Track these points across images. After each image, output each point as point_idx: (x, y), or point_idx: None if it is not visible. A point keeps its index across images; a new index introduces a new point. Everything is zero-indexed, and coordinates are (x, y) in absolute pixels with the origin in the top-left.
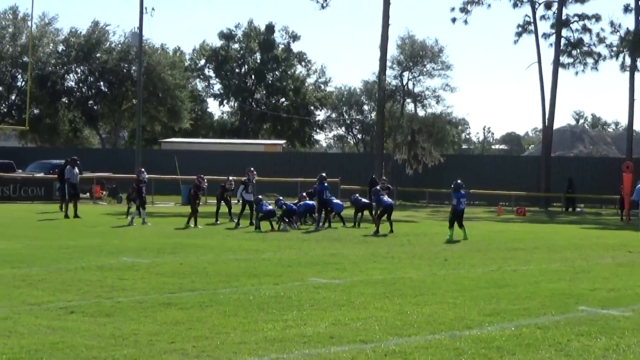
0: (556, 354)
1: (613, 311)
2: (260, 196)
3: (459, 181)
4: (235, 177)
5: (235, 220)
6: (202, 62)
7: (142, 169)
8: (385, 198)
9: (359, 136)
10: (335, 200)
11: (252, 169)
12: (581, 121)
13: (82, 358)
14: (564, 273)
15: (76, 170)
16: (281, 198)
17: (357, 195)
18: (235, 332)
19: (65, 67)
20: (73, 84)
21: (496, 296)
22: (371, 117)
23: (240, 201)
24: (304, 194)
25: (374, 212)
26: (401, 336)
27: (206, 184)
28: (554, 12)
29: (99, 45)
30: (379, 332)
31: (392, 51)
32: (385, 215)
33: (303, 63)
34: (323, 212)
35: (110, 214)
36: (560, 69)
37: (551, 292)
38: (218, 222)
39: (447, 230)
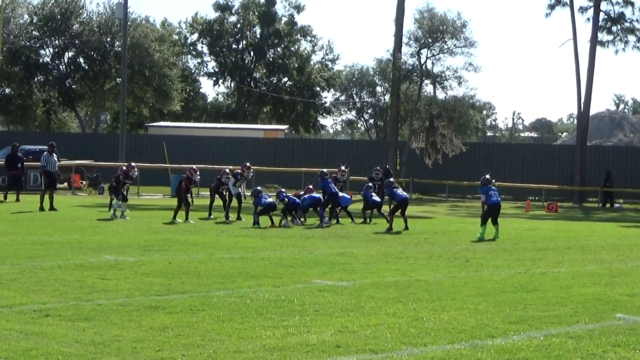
0: None
1: None
2: (259, 187)
3: (487, 176)
4: (231, 168)
5: (232, 215)
6: (195, 36)
7: (133, 164)
8: (400, 191)
9: (371, 121)
10: (341, 194)
11: (248, 164)
12: (621, 106)
13: None
14: (599, 276)
15: (54, 157)
16: (283, 190)
17: (371, 187)
18: (230, 340)
19: (40, 41)
20: (49, 59)
21: (523, 302)
22: (385, 100)
23: (227, 193)
24: (310, 186)
25: (389, 207)
26: (416, 345)
27: (199, 177)
28: None
29: (73, 15)
30: (391, 341)
31: (409, 26)
32: (400, 210)
33: (308, 38)
34: (329, 207)
35: (91, 206)
36: (598, 47)
37: (585, 298)
38: (212, 216)
39: (471, 227)
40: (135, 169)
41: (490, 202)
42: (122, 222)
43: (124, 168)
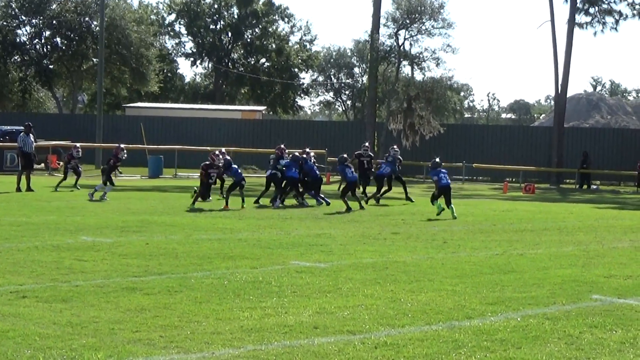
0: (566, 348)
1: (630, 300)
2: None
3: (437, 159)
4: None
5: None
6: (172, 17)
7: (123, 146)
8: (351, 171)
9: (349, 102)
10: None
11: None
12: (598, 88)
13: (36, 348)
14: (576, 258)
15: (31, 137)
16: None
17: (346, 159)
18: (207, 321)
19: (17, 20)
20: (26, 39)
21: (500, 283)
22: (362, 81)
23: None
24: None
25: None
26: (393, 327)
27: (222, 162)
28: None
29: None
30: (368, 322)
31: (387, 7)
32: (350, 191)
33: (286, 19)
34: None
35: (68, 187)
36: (576, 29)
37: (562, 279)
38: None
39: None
40: (125, 151)
41: (441, 184)
42: (100, 204)
43: (74, 149)
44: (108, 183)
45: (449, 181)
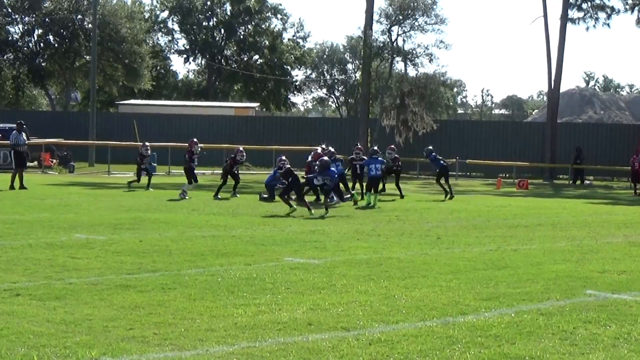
0: (560, 343)
1: (624, 296)
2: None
3: (375, 147)
4: (240, 147)
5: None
6: (165, 14)
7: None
8: (317, 179)
9: (342, 99)
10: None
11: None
12: (591, 83)
13: (30, 346)
14: (570, 253)
15: (23, 135)
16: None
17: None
18: (201, 318)
19: (9, 18)
20: (18, 36)
21: (494, 279)
22: (356, 77)
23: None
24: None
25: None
26: (388, 323)
27: (244, 156)
28: None
29: None
30: (362, 319)
31: (380, 3)
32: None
33: (279, 16)
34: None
35: (61, 185)
36: (568, 25)
37: (555, 275)
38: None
39: (442, 205)
40: (198, 145)
41: (370, 175)
42: (93, 201)
43: (143, 147)
44: (192, 181)
45: (379, 173)
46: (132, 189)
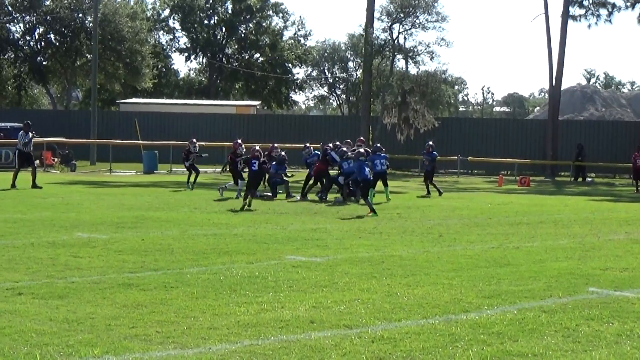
0: (563, 340)
1: (626, 293)
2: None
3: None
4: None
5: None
6: (166, 12)
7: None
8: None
9: (343, 97)
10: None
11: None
12: (593, 81)
13: (32, 344)
14: (572, 250)
15: (30, 135)
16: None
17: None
18: (204, 316)
19: (9, 17)
20: (19, 35)
21: (496, 276)
22: (357, 75)
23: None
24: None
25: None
26: (390, 321)
27: (244, 150)
28: None
29: None
30: (365, 316)
31: (381, 0)
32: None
33: (280, 14)
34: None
35: (63, 183)
36: (569, 22)
37: (558, 272)
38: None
39: (444, 202)
40: (242, 146)
41: (376, 170)
42: (94, 200)
43: (191, 144)
44: (239, 180)
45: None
46: (190, 188)
